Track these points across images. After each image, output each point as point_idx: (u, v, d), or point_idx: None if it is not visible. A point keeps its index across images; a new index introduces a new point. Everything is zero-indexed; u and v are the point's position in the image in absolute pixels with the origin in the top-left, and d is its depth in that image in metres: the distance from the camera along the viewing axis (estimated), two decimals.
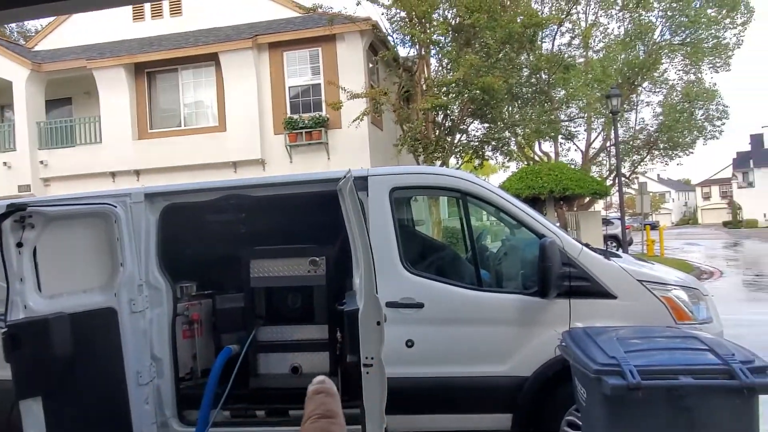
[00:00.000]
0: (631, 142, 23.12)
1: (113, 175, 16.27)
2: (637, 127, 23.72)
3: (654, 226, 29.76)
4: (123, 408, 3.80)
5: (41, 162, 16.78)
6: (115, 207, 3.91)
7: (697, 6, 21.02)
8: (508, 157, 21.60)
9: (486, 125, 18.06)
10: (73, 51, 17.50)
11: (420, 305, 3.98)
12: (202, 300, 4.66)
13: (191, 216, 4.85)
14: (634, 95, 22.66)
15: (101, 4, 0.87)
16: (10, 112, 17.80)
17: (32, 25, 26.20)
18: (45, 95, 17.25)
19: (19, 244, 3.41)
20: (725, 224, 53.00)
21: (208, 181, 4.72)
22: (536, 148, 22.85)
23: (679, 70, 23.10)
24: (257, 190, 4.36)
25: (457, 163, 19.12)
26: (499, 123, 17.46)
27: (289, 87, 15.77)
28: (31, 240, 3.47)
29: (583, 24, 21.32)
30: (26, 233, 3.45)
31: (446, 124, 15.87)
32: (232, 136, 15.68)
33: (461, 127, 16.49)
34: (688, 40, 21.58)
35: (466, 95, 14.84)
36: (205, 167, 15.16)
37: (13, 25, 26.06)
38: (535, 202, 15.52)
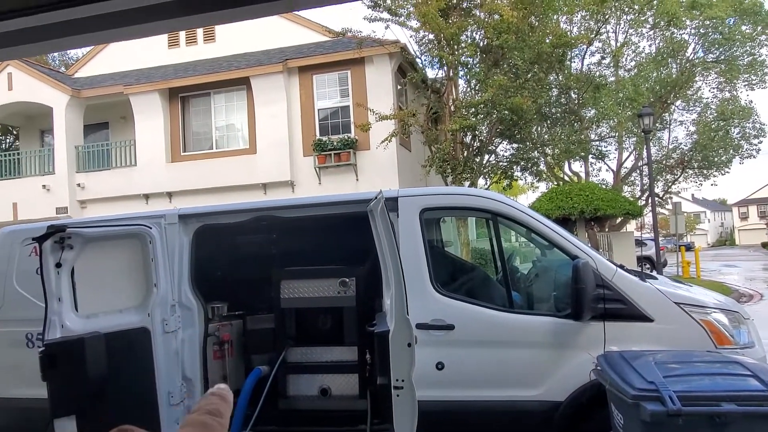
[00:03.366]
0: (664, 162, 22.68)
1: (147, 197, 16.64)
2: (671, 146, 23.30)
3: (689, 247, 29.01)
4: (155, 428, 3.82)
5: (78, 185, 17.27)
6: (150, 228, 3.98)
7: (731, 23, 20.69)
8: (537, 178, 21.42)
9: (515, 145, 17.98)
10: (111, 77, 18.11)
11: (450, 327, 3.94)
12: (233, 321, 4.69)
13: (223, 237, 4.92)
14: (667, 114, 22.30)
15: (138, 33, 0.90)
16: (50, 136, 18.43)
17: (73, 53, 27.21)
18: (83, 120, 17.84)
19: (58, 265, 3.50)
20: (764, 245, 51.26)
21: (240, 203, 4.79)
22: (566, 168, 22.62)
23: (714, 88, 22.70)
24: (288, 211, 4.39)
25: (486, 183, 19.04)
26: (528, 143, 17.37)
27: (319, 109, 15.99)
28: (69, 260, 3.56)
29: (612, 43, 21.17)
30: (65, 254, 3.54)
31: (475, 145, 15.84)
32: (262, 158, 15.93)
33: (490, 147, 16.45)
34: (723, 57, 21.21)
35: (494, 116, 14.84)
36: (236, 189, 15.40)
37: (56, 53, 27.10)
38: (565, 222, 15.30)
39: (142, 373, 3.81)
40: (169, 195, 16.46)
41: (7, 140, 23.65)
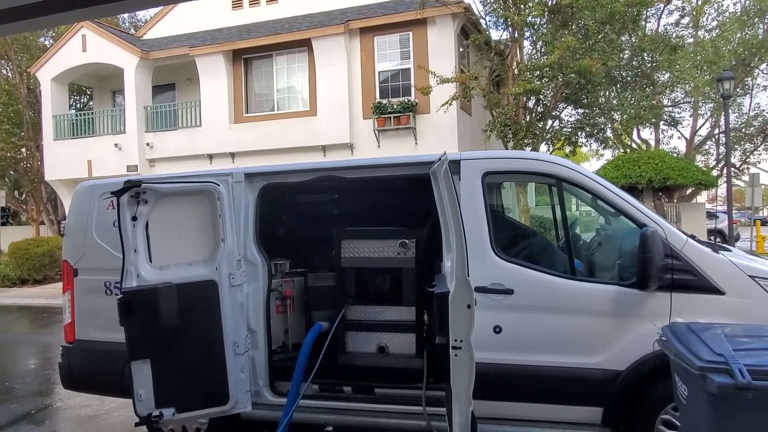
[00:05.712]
0: (743, 130, 21.35)
1: (210, 157, 17.15)
2: (752, 113, 21.88)
3: (765, 222, 27.43)
4: (221, 375, 4.03)
5: (147, 144, 17.97)
6: (218, 185, 4.12)
7: None
8: (603, 145, 20.63)
9: (581, 110, 17.32)
10: (178, 39, 18.54)
11: (509, 291, 3.91)
12: (295, 277, 4.83)
13: (287, 196, 5.03)
14: (750, 78, 20.86)
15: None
16: (121, 97, 19.18)
17: (142, 15, 27.96)
18: (152, 81, 18.42)
19: (134, 218, 3.70)
20: None
21: (304, 162, 4.86)
22: (635, 135, 21.66)
23: None
24: (351, 172, 4.43)
25: (548, 149, 18.49)
26: (595, 108, 16.70)
27: (379, 72, 15.87)
28: (144, 214, 3.74)
29: (693, 1, 19.83)
30: (140, 208, 3.72)
31: (538, 110, 15.37)
32: (322, 120, 16.05)
33: (554, 112, 15.92)
34: None
35: (560, 79, 14.28)
36: (296, 150, 15.65)
37: (126, 15, 27.92)
38: (631, 192, 14.72)
39: (209, 323, 4.00)
40: (232, 155, 16.91)
41: (82, 100, 24.78)
